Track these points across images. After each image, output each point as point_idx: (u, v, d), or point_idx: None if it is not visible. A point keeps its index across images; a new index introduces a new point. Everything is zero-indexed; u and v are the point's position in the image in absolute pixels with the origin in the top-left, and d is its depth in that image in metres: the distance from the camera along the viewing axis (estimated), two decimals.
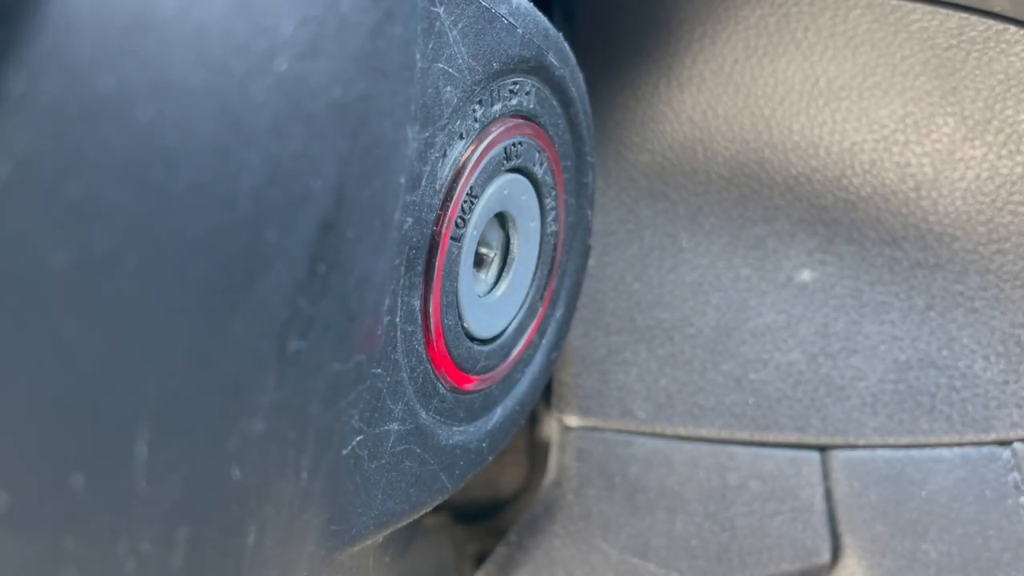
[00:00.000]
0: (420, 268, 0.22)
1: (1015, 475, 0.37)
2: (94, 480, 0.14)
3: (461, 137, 0.22)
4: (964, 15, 0.31)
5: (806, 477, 0.39)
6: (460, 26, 0.21)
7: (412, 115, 0.20)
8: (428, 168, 0.21)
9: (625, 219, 0.39)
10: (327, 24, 0.16)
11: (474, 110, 0.22)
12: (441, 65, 0.20)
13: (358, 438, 0.20)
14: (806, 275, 0.38)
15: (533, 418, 0.43)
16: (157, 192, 0.14)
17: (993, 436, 0.37)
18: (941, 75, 0.35)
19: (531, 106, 0.25)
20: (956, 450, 0.39)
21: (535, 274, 0.27)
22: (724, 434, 0.39)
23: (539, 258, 0.27)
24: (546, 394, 0.40)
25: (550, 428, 0.41)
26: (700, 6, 0.35)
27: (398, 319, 0.21)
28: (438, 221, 0.22)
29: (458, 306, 0.24)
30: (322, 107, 0.17)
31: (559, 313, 0.30)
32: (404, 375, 0.22)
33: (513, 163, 0.24)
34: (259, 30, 0.15)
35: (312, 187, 0.17)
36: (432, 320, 0.22)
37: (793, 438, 0.39)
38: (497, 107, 0.23)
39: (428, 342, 0.23)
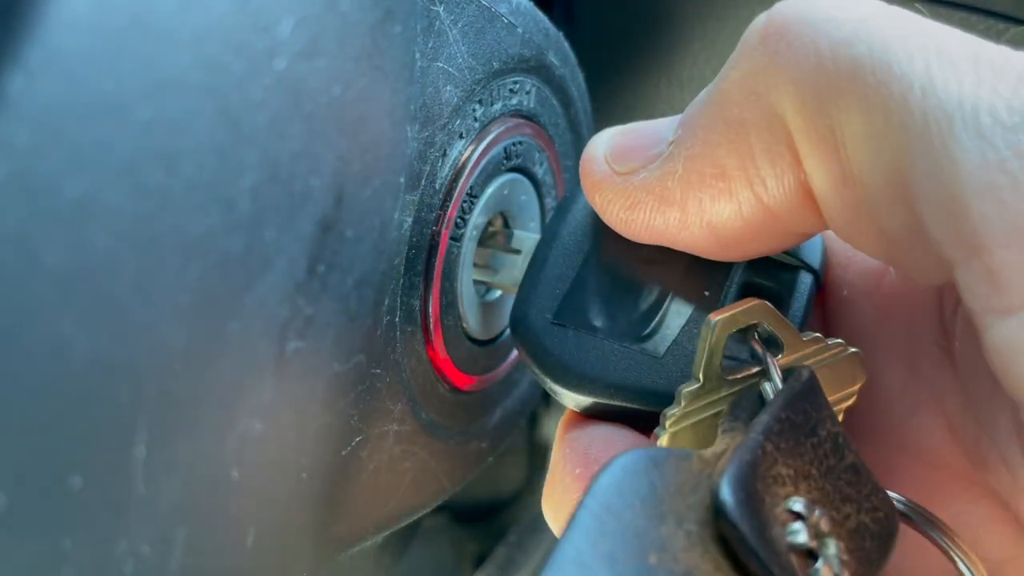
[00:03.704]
0: (420, 268, 0.22)
1: None
2: (92, 481, 0.14)
3: (461, 136, 0.22)
4: (965, 15, 0.31)
5: None
6: (460, 25, 0.21)
7: (412, 114, 0.20)
8: (428, 168, 0.21)
9: None
10: (326, 23, 0.16)
11: (474, 109, 0.22)
12: (441, 64, 0.20)
13: (357, 439, 0.20)
14: None
15: (533, 418, 0.43)
16: (156, 192, 0.14)
17: None
18: None
19: (531, 105, 0.25)
20: None
21: None
22: None
23: None
24: (546, 394, 0.40)
25: (550, 428, 0.41)
26: (701, 5, 0.35)
27: (398, 319, 0.21)
28: (438, 221, 0.22)
29: (458, 306, 0.24)
30: (321, 106, 0.17)
31: None
32: (404, 376, 0.22)
33: (513, 163, 0.24)
34: (258, 29, 0.15)
35: (311, 186, 0.17)
36: (432, 320, 0.22)
37: None
38: (497, 106, 0.23)
39: (428, 342, 0.22)
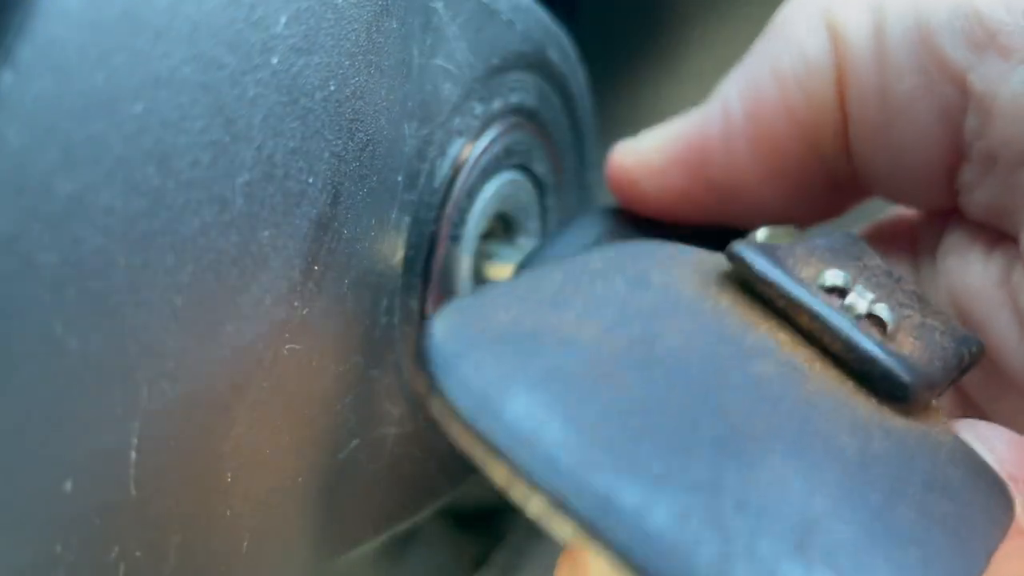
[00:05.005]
0: (419, 268, 0.21)
1: None
2: (84, 485, 0.14)
3: (460, 135, 0.22)
4: None
5: None
6: (459, 21, 0.20)
7: (409, 112, 0.19)
8: (427, 166, 0.21)
9: None
10: (322, 17, 0.16)
11: (473, 107, 0.22)
12: (439, 62, 0.20)
13: (355, 441, 0.20)
14: None
15: None
16: (148, 190, 0.14)
17: None
18: None
19: (532, 103, 0.24)
20: None
21: None
22: None
23: None
24: None
25: None
26: (703, 1, 0.35)
27: (396, 320, 0.21)
28: (436, 220, 0.22)
29: None
30: (317, 102, 0.16)
31: None
32: (403, 377, 0.22)
33: (513, 161, 0.24)
34: (252, 23, 0.15)
35: (307, 185, 0.17)
36: None
37: None
38: (497, 104, 0.23)
39: None
